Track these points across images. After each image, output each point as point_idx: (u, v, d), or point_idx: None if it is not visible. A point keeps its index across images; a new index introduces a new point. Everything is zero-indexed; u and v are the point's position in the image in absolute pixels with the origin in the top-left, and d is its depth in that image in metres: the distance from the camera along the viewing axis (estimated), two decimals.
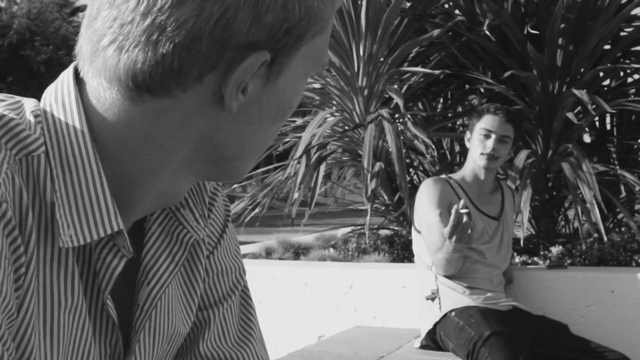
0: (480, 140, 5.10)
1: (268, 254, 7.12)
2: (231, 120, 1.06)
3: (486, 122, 5.10)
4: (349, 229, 7.74)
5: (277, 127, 1.14)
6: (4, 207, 0.96)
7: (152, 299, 1.18)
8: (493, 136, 5.07)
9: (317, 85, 7.35)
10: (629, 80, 7.64)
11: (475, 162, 5.17)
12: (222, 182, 1.22)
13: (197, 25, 0.99)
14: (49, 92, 1.11)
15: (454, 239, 4.60)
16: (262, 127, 1.10)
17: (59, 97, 1.09)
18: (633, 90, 7.56)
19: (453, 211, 4.55)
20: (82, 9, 31.76)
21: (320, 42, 1.09)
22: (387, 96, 6.96)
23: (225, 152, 1.10)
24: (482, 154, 5.11)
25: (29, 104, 1.10)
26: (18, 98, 1.13)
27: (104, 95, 1.05)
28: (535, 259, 6.22)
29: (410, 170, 7.55)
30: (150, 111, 1.04)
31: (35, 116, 1.07)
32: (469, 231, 4.58)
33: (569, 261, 6.17)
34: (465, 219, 4.56)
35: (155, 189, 1.12)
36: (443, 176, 5.30)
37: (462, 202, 4.61)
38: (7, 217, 0.96)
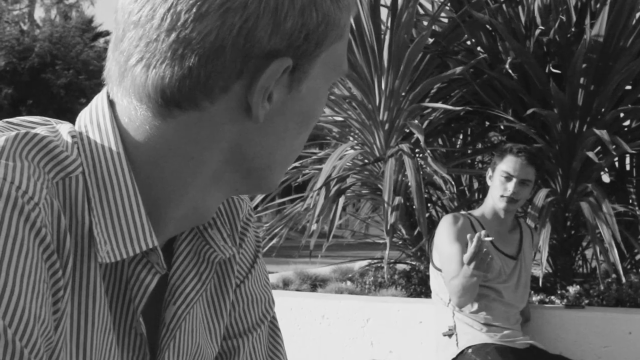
0: (501, 182, 5.11)
1: (285, 284, 7.13)
2: (258, 129, 1.09)
3: (508, 164, 5.10)
4: (366, 262, 7.74)
5: (303, 138, 1.17)
6: (44, 232, 0.98)
7: (177, 318, 1.20)
8: (514, 179, 5.08)
9: (338, 118, 7.38)
10: None
11: (495, 202, 5.18)
12: (254, 194, 1.24)
13: (220, 36, 1.02)
14: (84, 115, 1.14)
15: (472, 265, 4.59)
16: (288, 135, 1.13)
17: (93, 118, 1.12)
18: None
19: (475, 237, 4.53)
20: (104, 34, 31.97)
21: (338, 48, 1.11)
22: (407, 131, 6.98)
23: (254, 162, 1.12)
24: (502, 196, 5.11)
25: (65, 126, 1.13)
26: (54, 121, 1.16)
27: (135, 113, 1.09)
28: (553, 298, 6.21)
29: (429, 205, 7.55)
30: (180, 125, 1.07)
31: (72, 137, 1.10)
32: (488, 259, 4.57)
33: (586, 301, 6.16)
34: (485, 247, 4.56)
35: (187, 204, 1.14)
36: (463, 212, 5.31)
37: (484, 231, 4.61)
38: (46, 242, 0.99)
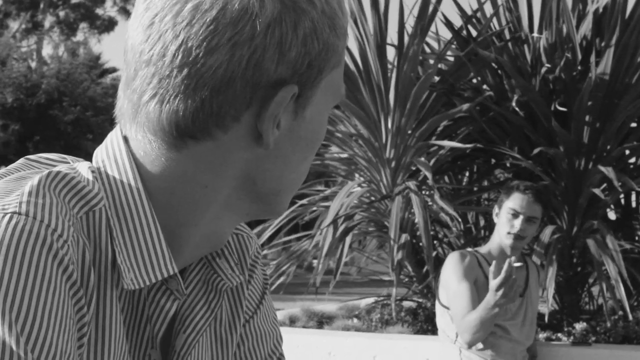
0: (508, 219, 5.12)
1: (292, 322, 7.13)
2: (267, 155, 1.14)
3: (515, 201, 5.11)
4: (372, 299, 7.75)
5: (308, 162, 1.21)
6: (71, 269, 1.03)
7: (187, 346, 1.23)
8: (521, 217, 5.09)
9: (345, 156, 7.42)
10: None
11: (501, 239, 5.19)
12: (264, 218, 1.28)
13: (230, 69, 1.07)
14: (100, 152, 1.18)
15: (500, 292, 4.56)
16: (295, 160, 1.17)
17: (110, 154, 1.17)
18: None
19: (506, 263, 4.53)
20: (111, 71, 32.11)
21: (337, 74, 1.17)
22: (413, 168, 7.01)
23: (264, 187, 1.17)
24: (509, 233, 5.12)
25: (83, 163, 1.18)
26: (70, 159, 1.21)
27: (150, 147, 1.13)
28: (559, 335, 6.21)
29: (435, 242, 7.56)
30: (195, 155, 1.12)
31: (92, 172, 1.15)
32: (516, 287, 4.57)
33: (593, 338, 6.16)
34: (515, 274, 4.56)
35: (202, 231, 1.18)
36: (469, 250, 5.32)
37: (513, 257, 4.61)
38: (73, 279, 1.03)
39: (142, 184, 1.14)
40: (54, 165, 1.18)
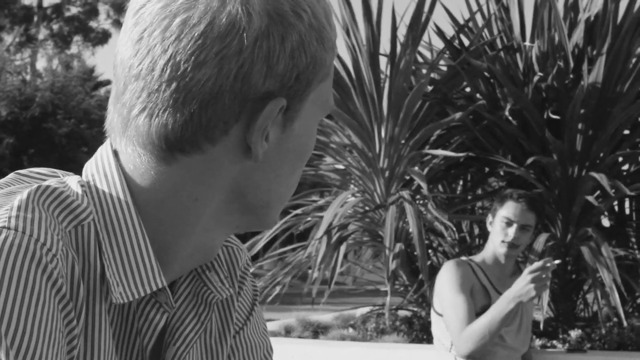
0: (502, 228, 5.13)
1: (287, 332, 7.13)
2: (256, 168, 1.15)
3: (508, 209, 5.12)
4: (367, 308, 7.75)
5: (298, 174, 1.22)
6: (60, 283, 1.04)
7: (177, 358, 1.24)
8: (515, 225, 5.10)
9: (339, 166, 7.43)
10: None
11: (496, 247, 5.20)
12: (254, 230, 1.29)
13: (218, 82, 1.08)
14: (89, 166, 1.19)
15: (530, 277, 4.55)
16: (284, 172, 1.18)
17: (99, 168, 1.17)
18: None
19: (542, 261, 4.56)
20: (105, 83, 32.09)
21: (325, 87, 1.18)
22: (407, 178, 7.03)
23: (254, 199, 1.18)
24: (503, 241, 5.13)
25: (73, 177, 1.19)
26: (60, 173, 1.22)
27: (140, 160, 1.14)
28: (555, 342, 6.22)
29: (430, 251, 7.58)
30: (184, 168, 1.13)
31: (81, 186, 1.15)
32: (547, 282, 4.59)
33: (588, 345, 6.17)
34: (549, 273, 4.58)
35: (192, 244, 1.19)
36: (464, 258, 5.33)
37: (557, 260, 4.64)
38: (62, 292, 1.04)
39: (131, 198, 1.14)
40: (45, 180, 1.19)
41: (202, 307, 1.28)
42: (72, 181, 1.17)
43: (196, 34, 1.08)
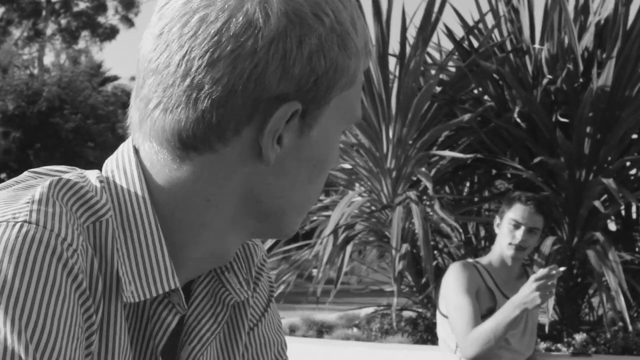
0: (509, 230, 5.12)
1: (292, 331, 7.13)
2: (270, 172, 1.13)
3: (516, 212, 5.11)
4: (372, 309, 7.75)
5: (318, 184, 1.19)
6: (80, 278, 1.04)
7: (193, 357, 1.24)
8: (522, 227, 5.09)
9: (346, 166, 7.43)
10: None
11: (503, 250, 5.19)
12: (270, 238, 1.28)
13: (231, 81, 1.07)
14: (110, 162, 1.18)
15: (536, 284, 4.55)
16: (300, 180, 1.15)
17: (119, 164, 1.17)
18: None
19: (547, 268, 4.55)
20: (112, 79, 32.09)
21: (350, 95, 1.15)
22: (414, 178, 7.02)
23: (267, 205, 1.16)
24: (510, 244, 5.13)
25: (93, 172, 1.18)
26: (80, 170, 1.20)
27: (156, 157, 1.14)
28: (559, 345, 6.21)
29: (436, 253, 7.57)
30: (197, 167, 1.12)
31: (100, 182, 1.15)
32: (552, 289, 4.59)
33: (593, 349, 6.16)
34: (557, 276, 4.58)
35: (206, 246, 1.18)
36: (470, 260, 5.32)
37: (562, 268, 4.64)
38: (82, 288, 1.04)
39: (149, 196, 1.14)
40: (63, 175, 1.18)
41: (220, 308, 1.27)
42: (91, 175, 1.16)
43: (212, 32, 1.07)
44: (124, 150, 1.18)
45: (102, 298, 1.09)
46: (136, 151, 1.17)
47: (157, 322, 1.17)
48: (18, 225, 1.02)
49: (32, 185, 1.12)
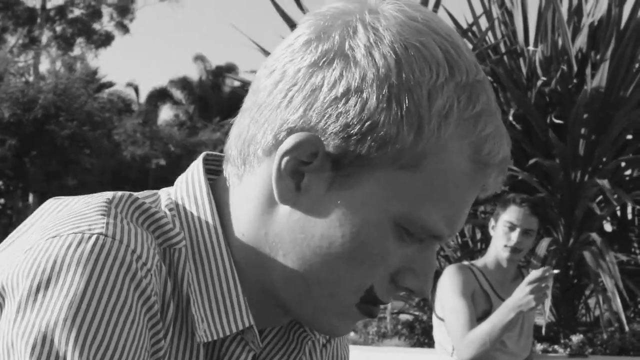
0: (504, 232, 5.12)
1: None
2: (286, 213, 1.05)
3: (511, 214, 5.11)
4: None
5: (336, 268, 1.04)
6: (152, 301, 0.99)
7: None
8: (517, 229, 5.09)
9: None
10: None
11: (498, 252, 5.19)
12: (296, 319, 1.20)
13: (261, 101, 1.05)
14: (180, 185, 1.12)
15: (529, 288, 4.54)
16: (314, 243, 1.04)
17: (190, 191, 1.11)
18: None
19: (541, 270, 4.55)
20: (108, 85, 32.11)
21: (407, 180, 1.00)
22: None
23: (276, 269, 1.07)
24: (506, 246, 5.12)
25: (163, 196, 1.12)
26: (152, 192, 1.15)
27: (228, 181, 1.10)
28: (556, 347, 6.21)
29: None
30: (244, 188, 1.07)
31: (170, 210, 1.09)
32: (546, 292, 4.58)
33: (590, 350, 6.16)
34: (551, 279, 4.57)
35: (258, 285, 1.10)
36: (465, 263, 5.32)
37: (556, 270, 4.63)
38: (152, 311, 0.99)
39: (222, 230, 1.08)
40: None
41: (294, 346, 1.20)
42: (162, 201, 1.11)
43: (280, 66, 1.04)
44: (194, 173, 1.12)
45: (172, 323, 1.04)
46: (209, 173, 1.13)
47: (230, 359, 1.10)
48: (94, 237, 0.97)
49: (89, 202, 1.05)
